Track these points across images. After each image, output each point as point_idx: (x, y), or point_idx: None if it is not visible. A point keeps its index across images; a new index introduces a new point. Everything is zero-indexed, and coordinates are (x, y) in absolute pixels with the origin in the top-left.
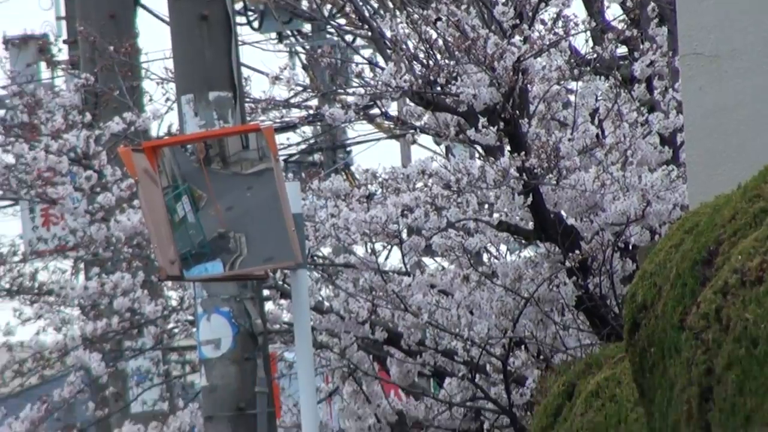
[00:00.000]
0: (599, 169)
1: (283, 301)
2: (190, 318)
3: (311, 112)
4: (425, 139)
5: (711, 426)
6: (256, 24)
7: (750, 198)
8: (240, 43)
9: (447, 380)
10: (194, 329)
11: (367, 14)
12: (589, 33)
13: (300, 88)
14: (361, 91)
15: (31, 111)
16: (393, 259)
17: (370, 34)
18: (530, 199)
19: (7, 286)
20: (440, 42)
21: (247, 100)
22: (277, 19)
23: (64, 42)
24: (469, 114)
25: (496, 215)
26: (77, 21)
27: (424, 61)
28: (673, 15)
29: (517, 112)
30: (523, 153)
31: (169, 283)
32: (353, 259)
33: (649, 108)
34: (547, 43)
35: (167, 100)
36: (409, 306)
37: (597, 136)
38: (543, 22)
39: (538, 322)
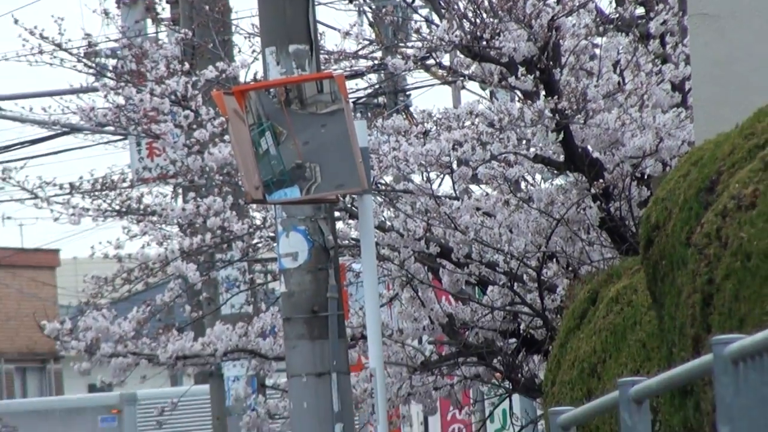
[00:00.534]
0: (620, 111)
1: (351, 221)
2: (272, 235)
3: (376, 62)
4: (473, 85)
5: (711, 327)
6: None
7: (745, 135)
8: (316, 3)
9: (489, 288)
10: (275, 244)
11: None
12: None
13: (367, 42)
14: (419, 44)
15: (139, 60)
16: (445, 186)
17: None
18: (561, 135)
19: (117, 207)
20: (486, 3)
21: (322, 52)
22: None
23: (167, 2)
24: (510, 64)
25: (532, 149)
26: None
27: (472, 19)
28: None
29: (551, 62)
30: (555, 97)
31: (254, 206)
32: (411, 185)
33: (662, 60)
34: (577, 4)
35: (253, 51)
36: (458, 225)
37: (618, 83)
38: None
39: (568, 239)
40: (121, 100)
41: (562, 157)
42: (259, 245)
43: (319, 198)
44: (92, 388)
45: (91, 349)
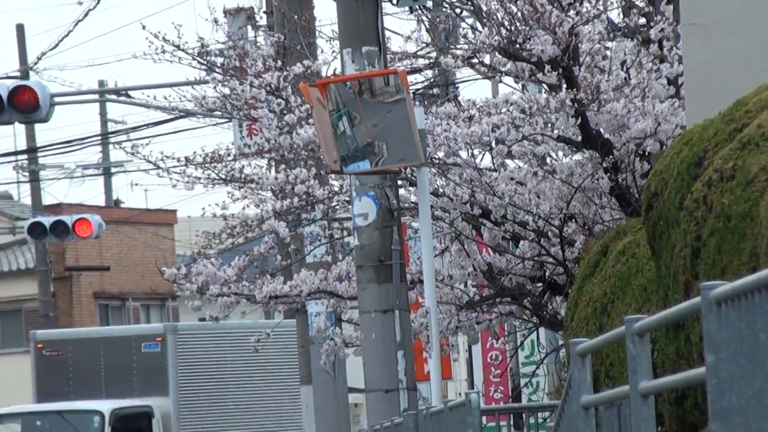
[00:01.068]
0: (626, 101)
1: (411, 188)
2: (347, 199)
3: (431, 61)
4: (508, 80)
5: (699, 275)
6: (395, 1)
7: (726, 122)
8: (384, 14)
9: (521, 242)
10: (350, 206)
11: None
12: (620, 9)
13: (424, 45)
14: (466, 47)
15: (241, 59)
16: (486, 160)
17: (472, 8)
18: (579, 120)
19: (223, 176)
20: (519, 14)
21: (388, 52)
22: None
23: (264, 12)
24: (538, 63)
25: (556, 131)
26: None
27: (509, 27)
28: None
29: (571, 62)
30: (575, 89)
31: (333, 175)
32: (459, 160)
33: (660, 60)
34: (592, 15)
35: (333, 52)
36: (496, 192)
37: (625, 78)
38: (589, 0)
39: (584, 204)
40: (226, 91)
41: (579, 138)
42: (337, 207)
43: (385, 169)
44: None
45: (202, 290)
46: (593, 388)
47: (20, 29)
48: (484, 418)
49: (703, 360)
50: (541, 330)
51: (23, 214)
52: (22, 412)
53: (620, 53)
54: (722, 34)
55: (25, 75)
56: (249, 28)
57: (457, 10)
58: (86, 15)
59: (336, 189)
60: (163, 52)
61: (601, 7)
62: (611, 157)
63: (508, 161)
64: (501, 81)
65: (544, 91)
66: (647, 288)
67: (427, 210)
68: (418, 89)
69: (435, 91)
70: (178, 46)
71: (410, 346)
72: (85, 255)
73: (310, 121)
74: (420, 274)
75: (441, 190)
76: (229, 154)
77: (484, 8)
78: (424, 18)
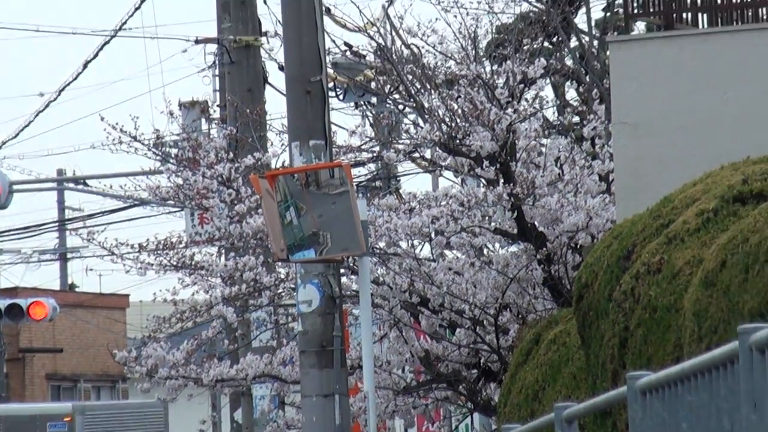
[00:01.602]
0: (560, 196)
1: (353, 276)
2: (293, 286)
3: (375, 154)
4: (448, 174)
5: (626, 364)
6: (341, 96)
7: (654, 217)
8: (330, 108)
9: (457, 330)
10: (295, 293)
11: (413, 92)
12: (555, 108)
13: (368, 139)
14: (408, 141)
15: (195, 150)
16: (425, 251)
17: (414, 105)
18: (515, 213)
19: (175, 263)
20: (459, 111)
21: (334, 146)
22: (355, 93)
23: (217, 106)
24: (477, 158)
25: (493, 224)
26: (226, 92)
27: (449, 123)
28: (609, 97)
29: (508, 157)
30: (511, 184)
31: (280, 263)
32: (399, 250)
33: (592, 157)
34: (529, 113)
35: (282, 145)
36: (435, 281)
37: (559, 174)
38: (526, 100)
39: (519, 293)
40: (180, 181)
41: (515, 230)
42: (283, 294)
43: (329, 258)
44: None
45: (151, 373)
46: None
47: None
48: None
49: None
50: (476, 415)
51: None
52: None
53: (555, 150)
54: (650, 133)
55: None
56: (203, 120)
57: (400, 106)
58: (47, 106)
59: (282, 276)
60: (120, 142)
61: (538, 106)
62: (545, 249)
63: (446, 252)
64: (441, 175)
65: (482, 185)
66: (577, 376)
67: (368, 298)
68: (361, 182)
69: (378, 183)
70: (134, 137)
71: (349, 429)
72: (39, 337)
73: (259, 211)
74: (360, 360)
75: (381, 278)
76: (180, 242)
77: (426, 105)
78: (369, 113)
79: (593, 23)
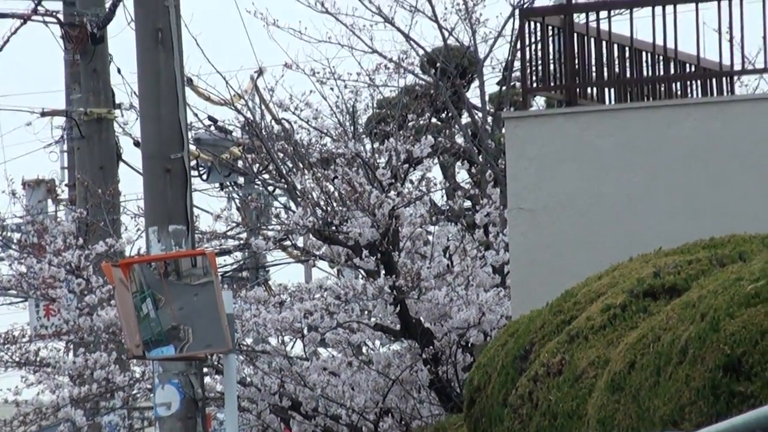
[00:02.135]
0: (449, 289)
1: (217, 376)
2: (149, 386)
3: (242, 242)
4: (323, 264)
5: None
6: (205, 176)
7: (554, 312)
8: (192, 190)
9: None
10: (152, 395)
11: (284, 171)
12: (444, 191)
13: (234, 224)
14: (278, 228)
15: (40, 235)
16: (297, 348)
17: (286, 186)
18: (398, 308)
19: (17, 359)
20: (336, 194)
21: (196, 232)
22: (220, 173)
23: (66, 185)
24: (355, 247)
25: (373, 319)
26: (76, 170)
27: (324, 207)
28: (504, 179)
29: (391, 246)
30: (394, 275)
31: (135, 361)
32: (268, 347)
33: (485, 246)
34: (414, 197)
35: (138, 230)
36: (308, 382)
37: (448, 265)
38: (411, 181)
39: (402, 397)
40: (23, 269)
41: (398, 326)
42: (138, 395)
43: (190, 356)
44: None
45: None
46: None
47: None
48: None
49: None
50: None
51: None
52: None
53: (443, 238)
54: (550, 220)
55: None
56: (49, 201)
57: (270, 188)
58: None
59: (138, 375)
60: None
61: (424, 189)
62: (432, 347)
63: (321, 350)
64: (315, 265)
65: (361, 276)
66: None
67: (234, 400)
68: (227, 272)
69: (245, 274)
70: None
71: None
72: None
73: (112, 302)
74: None
75: (249, 379)
76: (24, 336)
77: (299, 186)
78: (235, 195)
79: (487, 98)
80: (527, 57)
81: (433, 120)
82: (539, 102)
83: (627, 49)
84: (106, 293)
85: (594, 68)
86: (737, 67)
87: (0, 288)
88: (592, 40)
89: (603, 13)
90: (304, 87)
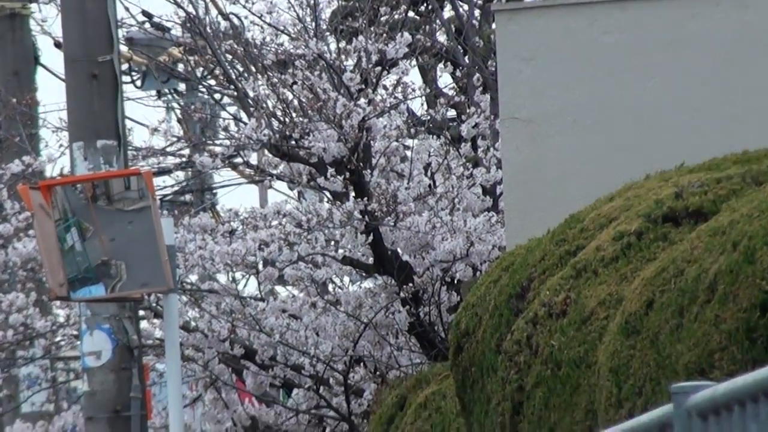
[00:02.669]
0: (431, 214)
1: (156, 320)
2: (75, 333)
3: (184, 159)
4: (281, 185)
5: None
6: (138, 82)
7: (557, 242)
8: (124, 98)
9: (295, 391)
10: (79, 342)
11: (233, 76)
12: (424, 98)
13: (175, 139)
14: (227, 142)
15: None
16: (250, 287)
17: (235, 93)
18: (371, 237)
19: None
20: (296, 102)
21: (130, 148)
22: (157, 79)
23: None
24: (319, 164)
25: (341, 251)
26: None
27: (281, 118)
28: (495, 84)
29: (361, 164)
30: (365, 198)
31: (58, 303)
32: (216, 285)
33: (473, 163)
34: (388, 105)
35: (61, 146)
36: (264, 327)
37: (429, 186)
38: (385, 87)
39: (376, 344)
40: None
41: (371, 260)
42: (62, 343)
43: (124, 296)
44: None
45: None
46: None
47: None
48: None
49: None
50: None
51: None
52: None
53: (423, 154)
54: (550, 132)
55: None
56: None
57: (217, 96)
58: None
59: (61, 320)
60: None
61: (400, 96)
62: (411, 285)
63: (278, 288)
64: (271, 186)
65: (326, 200)
66: None
67: (176, 348)
68: (167, 195)
69: (188, 197)
70: None
71: None
72: None
73: (31, 232)
74: (166, 429)
75: (193, 323)
76: None
77: (251, 93)
78: (175, 105)
79: None
80: None
81: (410, 14)
82: None
83: None
84: (24, 221)
85: None
86: None
87: None
88: None
89: None
90: None
